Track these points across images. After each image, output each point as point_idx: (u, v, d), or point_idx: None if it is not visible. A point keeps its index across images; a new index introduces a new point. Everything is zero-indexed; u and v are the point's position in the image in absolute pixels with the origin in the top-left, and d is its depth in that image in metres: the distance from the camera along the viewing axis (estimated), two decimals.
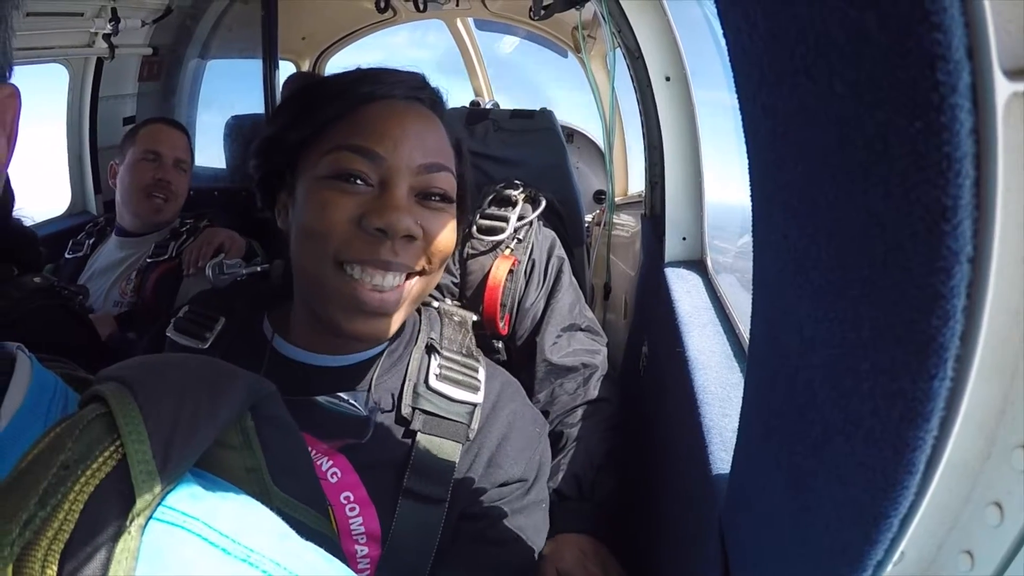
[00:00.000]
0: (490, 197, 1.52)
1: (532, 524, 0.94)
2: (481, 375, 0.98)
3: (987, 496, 0.37)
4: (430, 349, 0.98)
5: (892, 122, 0.31)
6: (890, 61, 0.30)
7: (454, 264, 1.46)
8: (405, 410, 0.92)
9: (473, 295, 1.44)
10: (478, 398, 0.95)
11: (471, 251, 1.46)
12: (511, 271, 1.42)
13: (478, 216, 1.48)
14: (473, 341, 1.04)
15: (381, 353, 0.96)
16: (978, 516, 0.38)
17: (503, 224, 1.46)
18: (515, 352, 1.48)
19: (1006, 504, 0.37)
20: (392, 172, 0.85)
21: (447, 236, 0.90)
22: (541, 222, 1.53)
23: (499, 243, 1.45)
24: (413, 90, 0.92)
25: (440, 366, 0.96)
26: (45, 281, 1.43)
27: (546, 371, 1.41)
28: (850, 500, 0.41)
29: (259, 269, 1.84)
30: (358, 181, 0.84)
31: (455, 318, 1.06)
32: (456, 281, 1.47)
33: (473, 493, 0.91)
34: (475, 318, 1.10)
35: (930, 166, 0.29)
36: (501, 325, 1.43)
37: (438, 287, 1.44)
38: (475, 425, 0.93)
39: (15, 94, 0.43)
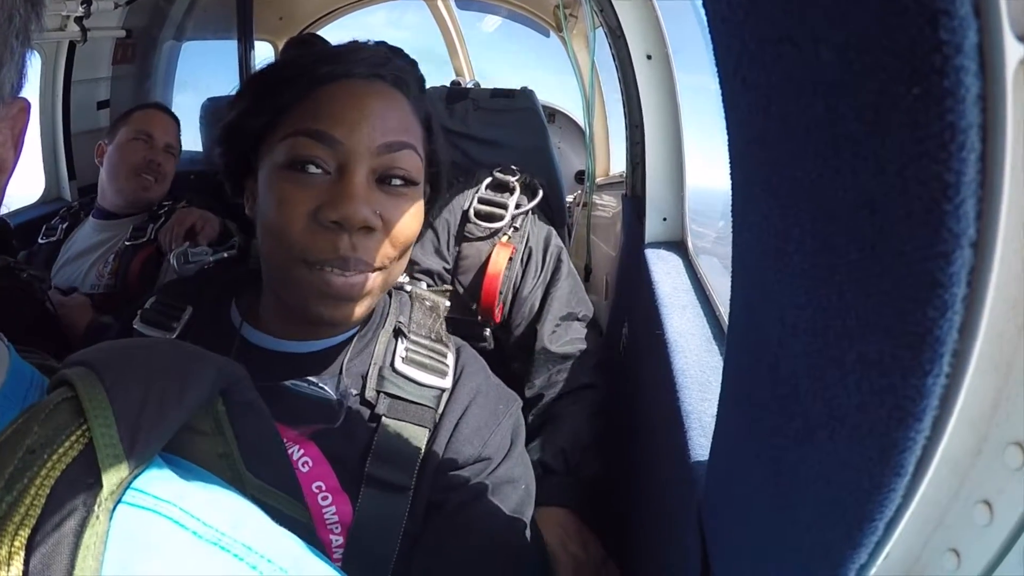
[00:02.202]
0: (487, 181, 1.49)
1: (507, 506, 0.91)
2: (449, 360, 0.96)
3: (976, 494, 0.35)
4: (397, 332, 0.96)
5: (886, 89, 0.28)
6: (884, 20, 0.27)
7: (447, 248, 1.43)
8: (370, 393, 0.89)
9: (471, 283, 1.42)
10: (446, 383, 0.93)
11: (467, 235, 1.43)
12: (510, 259, 1.40)
13: (475, 200, 1.46)
14: (444, 326, 1.02)
15: (351, 338, 0.94)
16: (966, 514, 0.36)
17: (501, 211, 1.44)
18: (508, 341, 1.47)
19: (996, 503, 0.35)
20: (350, 156, 0.82)
21: (409, 223, 0.87)
22: (537, 214, 1.51)
23: (497, 231, 1.43)
24: (374, 67, 0.87)
25: (407, 349, 0.94)
26: (2, 261, 1.39)
27: (544, 359, 1.42)
28: (833, 500, 0.39)
29: (226, 255, 1.81)
30: (314, 169, 0.81)
31: (427, 302, 1.03)
32: (448, 267, 1.44)
33: (436, 479, 0.88)
34: (447, 303, 1.07)
35: (930, 138, 0.26)
36: (497, 313, 1.41)
37: (429, 273, 1.41)
38: (441, 410, 0.91)
39: (26, 108, 0.43)
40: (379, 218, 0.83)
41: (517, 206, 1.46)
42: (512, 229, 1.44)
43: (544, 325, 1.42)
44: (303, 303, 0.84)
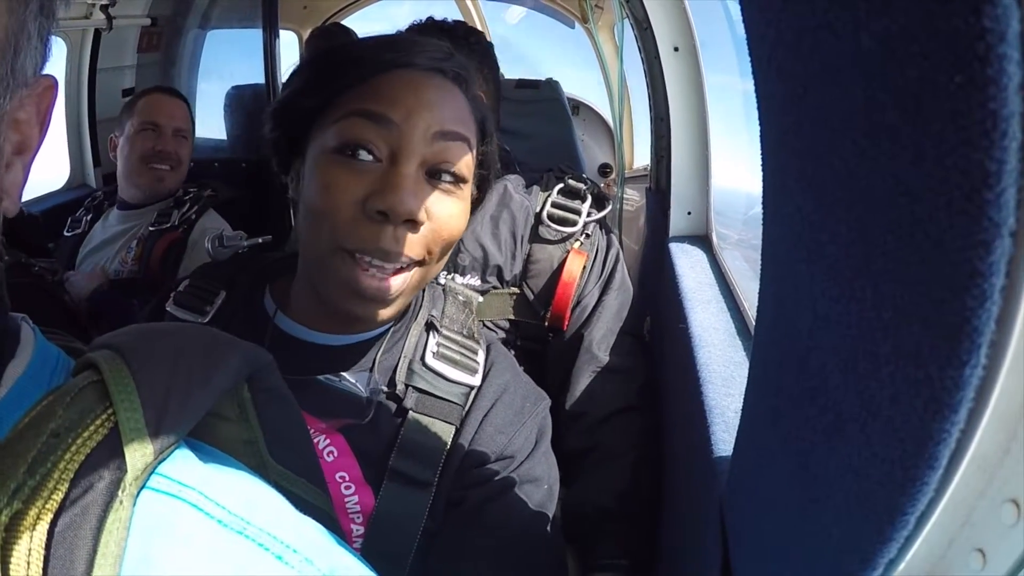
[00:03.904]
0: (558, 187, 1.46)
1: (529, 505, 0.90)
2: (480, 357, 0.95)
3: (1004, 493, 0.35)
4: (429, 326, 0.95)
5: (927, 78, 0.27)
6: (928, 8, 0.27)
7: (520, 250, 1.41)
8: (398, 387, 0.89)
9: (542, 289, 1.40)
10: (475, 380, 0.92)
11: (539, 237, 1.41)
12: (583, 267, 1.39)
13: (548, 204, 1.44)
14: (476, 321, 1.00)
15: (385, 332, 0.93)
16: (993, 513, 0.35)
17: (574, 217, 1.41)
18: (557, 345, 1.44)
19: None
20: (404, 141, 0.80)
21: (455, 222, 0.85)
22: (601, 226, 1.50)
23: (569, 236, 1.41)
24: (436, 61, 0.86)
25: (438, 344, 0.93)
26: (13, 258, 1.40)
27: (592, 369, 1.38)
28: (863, 493, 0.38)
29: (260, 241, 1.82)
30: (366, 155, 0.80)
31: (460, 297, 1.02)
32: (517, 271, 1.41)
33: (457, 475, 0.88)
34: (480, 299, 1.06)
35: (972, 126, 0.25)
36: (566, 320, 1.40)
37: (499, 271, 1.39)
38: (468, 407, 0.91)
39: (53, 85, 0.42)
40: (426, 212, 0.81)
41: (588, 214, 1.43)
42: (584, 236, 1.42)
43: (593, 330, 1.39)
44: (334, 296, 0.83)
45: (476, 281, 1.37)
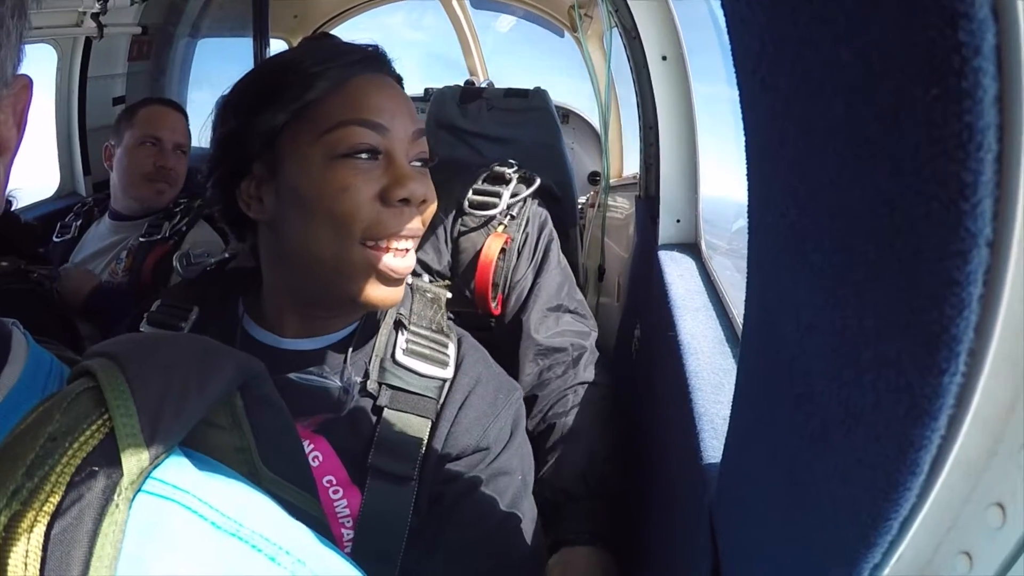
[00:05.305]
0: (484, 175, 1.50)
1: (504, 498, 0.92)
2: (451, 351, 0.98)
3: (989, 496, 0.35)
4: (398, 324, 0.99)
5: (905, 91, 0.28)
6: (905, 22, 0.27)
7: (446, 244, 1.44)
8: (371, 385, 0.92)
9: (464, 272, 1.42)
10: (447, 373, 0.95)
11: (462, 228, 1.44)
12: (503, 250, 1.40)
13: (471, 192, 1.47)
14: (445, 317, 1.03)
15: (352, 334, 0.96)
16: (979, 517, 0.36)
17: (495, 200, 1.44)
18: (504, 331, 1.46)
19: (1009, 505, 0.34)
20: (396, 142, 0.89)
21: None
22: (537, 201, 1.51)
23: (491, 219, 1.43)
24: (381, 65, 0.95)
25: (407, 340, 0.96)
26: (12, 265, 1.40)
27: (533, 352, 1.39)
28: (848, 499, 0.39)
29: (226, 255, 1.81)
30: (368, 155, 0.87)
31: (428, 294, 1.06)
32: (448, 263, 1.44)
33: (436, 470, 0.90)
34: (449, 295, 1.09)
35: (948, 138, 0.26)
36: (493, 305, 1.40)
37: (428, 268, 1.42)
38: (443, 400, 0.93)
39: (28, 85, 0.43)
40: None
41: (514, 195, 1.45)
42: (508, 218, 1.44)
43: (532, 314, 1.40)
44: (356, 292, 0.88)
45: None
